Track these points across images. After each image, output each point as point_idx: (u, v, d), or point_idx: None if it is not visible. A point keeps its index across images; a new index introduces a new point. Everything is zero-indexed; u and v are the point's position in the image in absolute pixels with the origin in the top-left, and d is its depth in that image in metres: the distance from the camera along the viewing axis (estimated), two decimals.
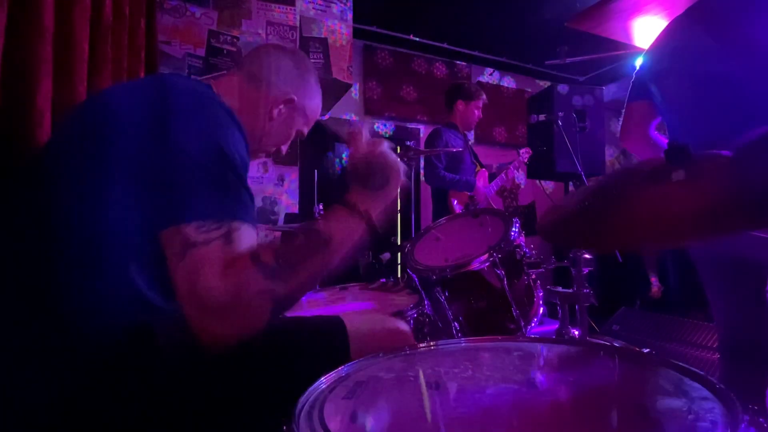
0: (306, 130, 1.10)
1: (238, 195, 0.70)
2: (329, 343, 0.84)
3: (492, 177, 3.19)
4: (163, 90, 0.75)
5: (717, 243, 1.22)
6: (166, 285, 0.66)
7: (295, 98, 1.02)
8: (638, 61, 1.44)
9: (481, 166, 3.21)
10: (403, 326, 0.96)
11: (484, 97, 3.14)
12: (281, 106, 1.01)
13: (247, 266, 0.64)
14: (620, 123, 1.47)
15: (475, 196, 2.92)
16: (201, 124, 0.72)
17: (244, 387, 0.76)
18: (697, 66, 1.22)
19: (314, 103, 1.09)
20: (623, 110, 1.46)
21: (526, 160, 3.25)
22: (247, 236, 0.68)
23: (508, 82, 4.92)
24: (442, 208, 3.05)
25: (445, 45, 4.29)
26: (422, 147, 4.28)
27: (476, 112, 3.11)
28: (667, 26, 1.37)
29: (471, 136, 4.29)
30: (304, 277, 0.70)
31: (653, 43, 1.39)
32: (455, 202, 2.99)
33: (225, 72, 1.04)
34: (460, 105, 3.11)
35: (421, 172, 4.35)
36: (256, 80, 0.99)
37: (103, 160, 0.70)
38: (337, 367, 0.67)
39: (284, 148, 1.10)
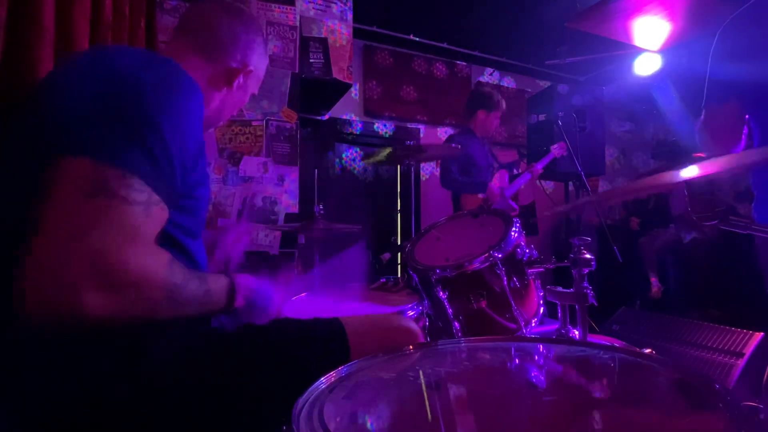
0: (257, 90, 1.09)
1: (148, 152, 0.62)
2: (328, 348, 0.84)
3: (513, 177, 3.18)
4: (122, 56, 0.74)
5: None
6: None
7: (252, 68, 1.01)
8: (641, 60, 1.34)
9: (501, 166, 3.22)
10: (412, 325, 0.95)
11: (504, 106, 3.16)
12: (240, 77, 1.00)
13: (166, 257, 0.62)
14: (701, 130, 1.28)
15: (489, 197, 2.94)
16: (149, 78, 0.68)
17: (243, 389, 0.76)
18: None
19: (264, 64, 1.08)
20: (703, 116, 1.29)
21: (559, 155, 3.18)
22: (160, 213, 0.63)
23: (508, 82, 4.92)
24: (456, 211, 3.08)
25: (445, 45, 4.28)
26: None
27: (495, 122, 3.14)
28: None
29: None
30: (189, 305, 0.68)
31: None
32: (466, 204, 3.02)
33: (171, 40, 0.99)
34: (481, 114, 3.11)
35: (421, 172, 4.37)
36: (210, 52, 0.96)
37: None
38: (335, 366, 0.67)
39: (236, 112, 1.11)
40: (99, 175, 0.56)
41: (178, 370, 0.72)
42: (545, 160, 3.16)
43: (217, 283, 0.74)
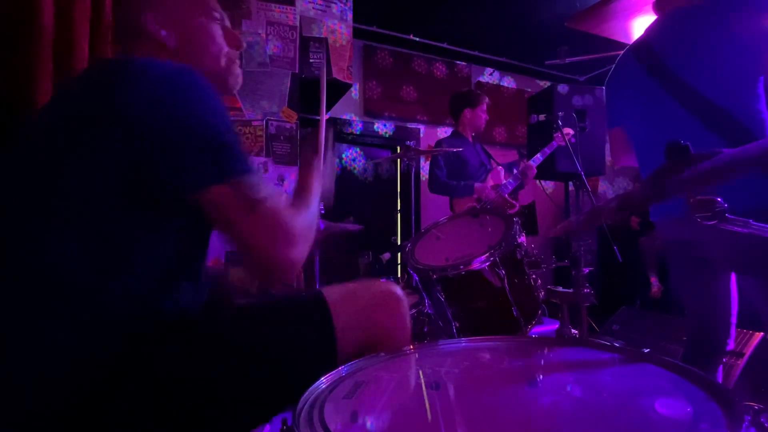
0: (226, 21, 1.00)
1: (242, 152, 0.80)
2: (310, 319, 0.83)
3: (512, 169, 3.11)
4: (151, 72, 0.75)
5: (681, 233, 1.25)
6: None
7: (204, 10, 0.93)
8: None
9: (498, 164, 3.18)
10: (396, 289, 0.92)
11: (487, 98, 3.13)
12: (196, 22, 0.92)
13: (300, 211, 0.86)
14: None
15: (480, 197, 2.92)
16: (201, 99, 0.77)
17: (230, 378, 0.75)
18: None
19: None
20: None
21: (564, 143, 2.93)
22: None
23: (508, 82, 4.92)
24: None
25: (445, 45, 4.28)
26: (422, 147, 4.30)
27: (483, 115, 3.10)
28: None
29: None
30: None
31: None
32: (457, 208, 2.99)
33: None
34: (467, 113, 3.09)
35: (421, 172, 4.37)
36: (162, 26, 0.89)
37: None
38: (321, 341, 0.67)
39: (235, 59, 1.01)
40: (246, 195, 0.76)
41: (168, 370, 0.72)
42: (547, 151, 3.01)
43: (303, 190, 0.99)
